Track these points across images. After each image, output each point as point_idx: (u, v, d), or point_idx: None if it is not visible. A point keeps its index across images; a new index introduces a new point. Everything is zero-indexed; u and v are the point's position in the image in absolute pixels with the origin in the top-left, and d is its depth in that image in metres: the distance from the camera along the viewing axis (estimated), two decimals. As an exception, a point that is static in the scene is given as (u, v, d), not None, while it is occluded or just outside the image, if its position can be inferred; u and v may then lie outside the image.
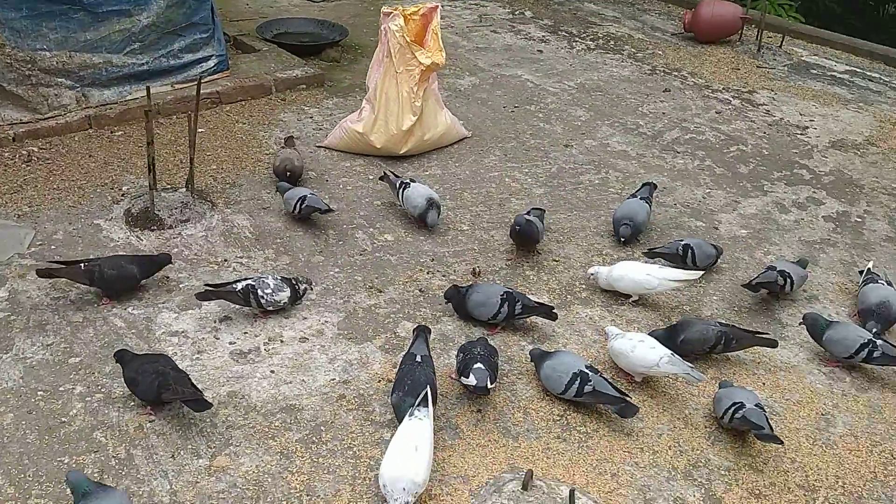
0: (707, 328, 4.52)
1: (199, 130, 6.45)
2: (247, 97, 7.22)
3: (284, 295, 4.64)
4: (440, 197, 5.72)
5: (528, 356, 4.42)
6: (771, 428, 3.90)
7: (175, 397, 3.87)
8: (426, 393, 3.80)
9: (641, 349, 4.28)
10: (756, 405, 3.97)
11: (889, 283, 5.03)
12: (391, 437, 3.73)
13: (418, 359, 4.10)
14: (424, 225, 5.59)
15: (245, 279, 4.65)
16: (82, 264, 4.62)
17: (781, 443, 3.90)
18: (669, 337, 4.49)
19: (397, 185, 5.67)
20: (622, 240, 5.53)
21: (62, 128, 6.39)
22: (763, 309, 5.07)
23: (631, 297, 5.03)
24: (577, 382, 4.09)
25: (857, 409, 4.35)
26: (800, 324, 4.77)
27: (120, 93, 6.69)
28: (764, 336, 4.60)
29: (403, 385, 3.93)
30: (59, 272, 4.63)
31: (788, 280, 5.02)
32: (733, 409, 3.97)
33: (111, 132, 6.50)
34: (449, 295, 4.75)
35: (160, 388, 3.85)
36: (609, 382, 4.11)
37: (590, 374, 4.11)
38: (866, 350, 4.46)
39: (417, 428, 3.68)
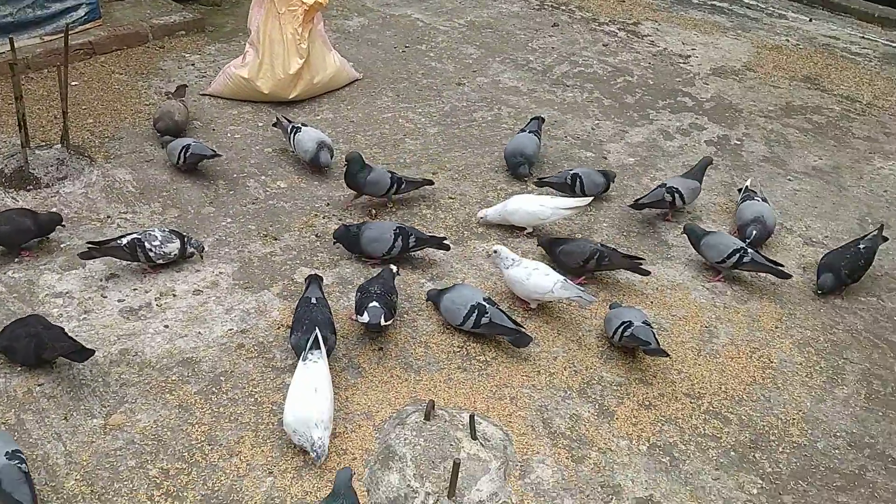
0: (585, 244, 4.74)
1: (73, 83, 6.14)
2: (122, 46, 6.86)
3: (174, 247, 4.50)
4: (332, 141, 5.64)
5: (426, 296, 4.47)
6: (658, 343, 4.10)
7: (55, 354, 3.77)
8: (317, 336, 3.80)
9: (536, 276, 4.39)
10: (643, 322, 4.16)
11: (764, 200, 5.30)
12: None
13: (313, 300, 4.09)
14: (318, 169, 5.51)
15: (130, 233, 4.50)
16: None
17: (667, 355, 4.11)
18: (550, 248, 4.79)
19: (289, 130, 5.56)
20: (523, 178, 5.62)
21: (-81, 86, 5.93)
22: (650, 232, 5.27)
23: (526, 228, 5.13)
24: (474, 314, 4.18)
25: (737, 319, 4.61)
26: (682, 233, 5.02)
27: (-19, 47, 6.24)
28: (638, 262, 4.72)
29: (302, 325, 3.92)
30: None
31: (677, 195, 5.24)
32: (622, 327, 4.14)
33: (-25, 89, 6.09)
34: (339, 235, 4.72)
35: (37, 349, 3.74)
36: (505, 314, 4.21)
37: (487, 305, 4.20)
38: (737, 255, 4.73)
39: (313, 370, 3.69)
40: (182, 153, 5.21)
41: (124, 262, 4.53)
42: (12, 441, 3.39)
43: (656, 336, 4.15)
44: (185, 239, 4.58)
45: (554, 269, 4.49)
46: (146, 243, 4.42)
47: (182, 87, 6.00)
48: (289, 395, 3.63)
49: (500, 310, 4.24)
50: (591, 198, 5.22)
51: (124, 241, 4.41)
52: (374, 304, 4.07)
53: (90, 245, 4.46)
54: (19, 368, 3.87)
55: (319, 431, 3.50)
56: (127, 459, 3.51)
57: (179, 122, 5.60)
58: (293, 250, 4.86)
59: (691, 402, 4.05)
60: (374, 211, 5.24)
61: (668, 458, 3.75)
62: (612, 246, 4.88)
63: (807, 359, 4.39)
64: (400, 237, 4.65)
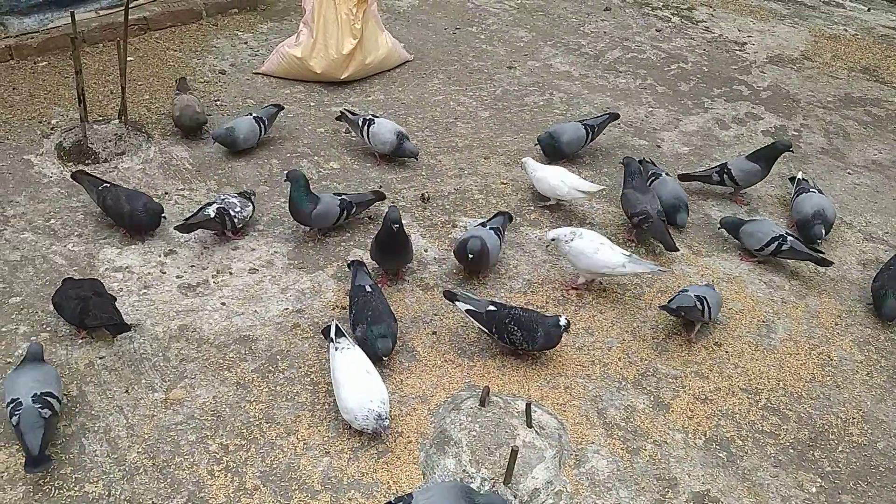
0: (638, 203, 4.80)
1: (129, 59, 6.17)
2: (176, 23, 6.90)
3: (249, 210, 4.70)
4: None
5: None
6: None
7: (96, 322, 3.85)
8: (335, 324, 3.81)
9: (604, 251, 4.36)
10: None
11: (820, 191, 5.19)
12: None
13: (368, 288, 4.09)
14: (396, 158, 5.45)
15: (211, 203, 4.60)
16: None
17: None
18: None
19: (360, 123, 5.40)
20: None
21: (-20, 59, 6.03)
22: (705, 223, 5.19)
23: (549, 200, 5.12)
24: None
25: (795, 315, 4.54)
26: (718, 229, 4.98)
27: (41, 20, 6.32)
28: (671, 241, 4.74)
29: (365, 318, 3.92)
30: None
31: (726, 175, 5.28)
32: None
33: (34, 63, 6.16)
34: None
35: (81, 313, 3.84)
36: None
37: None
38: (776, 243, 4.67)
39: (354, 356, 3.70)
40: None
41: (182, 239, 4.58)
42: (52, 381, 3.46)
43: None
44: (249, 195, 4.77)
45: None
46: (230, 210, 4.57)
47: (183, 80, 5.76)
48: (339, 382, 3.62)
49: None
50: (603, 188, 5.17)
51: (212, 213, 4.51)
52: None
53: (185, 220, 4.53)
54: (80, 341, 3.94)
55: (383, 409, 3.52)
56: (187, 434, 3.56)
57: (200, 113, 5.45)
58: (346, 232, 4.87)
59: (749, 398, 4.00)
60: (426, 194, 5.22)
61: (725, 453, 3.71)
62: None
63: (867, 357, 4.30)
64: (345, 210, 4.71)
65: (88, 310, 3.84)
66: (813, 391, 4.08)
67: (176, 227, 4.54)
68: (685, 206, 5.05)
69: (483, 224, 4.66)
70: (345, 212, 4.72)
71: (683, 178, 5.41)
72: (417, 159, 5.48)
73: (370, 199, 4.90)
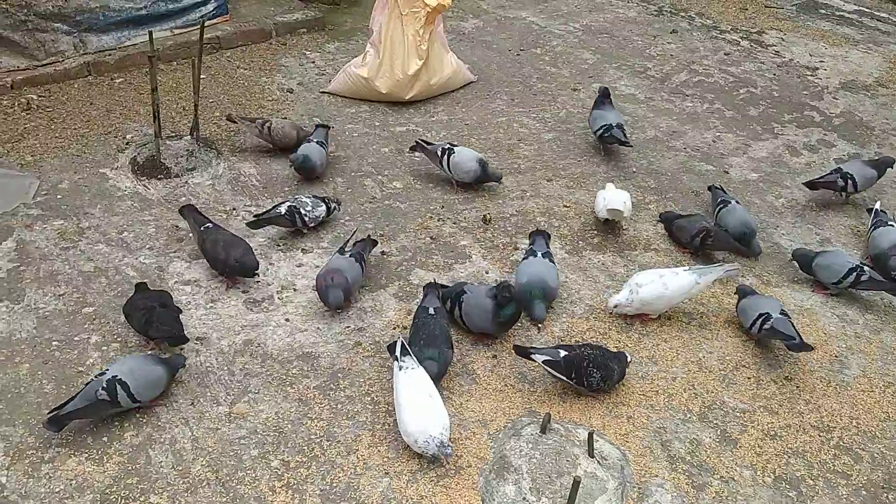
0: (700, 220, 4.91)
1: (202, 77, 6.34)
2: (247, 42, 7.07)
3: (322, 210, 4.91)
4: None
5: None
6: (800, 337, 4.05)
7: (158, 335, 3.95)
8: (401, 342, 3.79)
9: (673, 281, 4.29)
10: (782, 313, 4.12)
11: (898, 224, 5.02)
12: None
13: (431, 311, 4.09)
14: (478, 185, 5.40)
15: (284, 202, 4.87)
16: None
17: (812, 349, 4.11)
18: (671, 218, 5.01)
19: (438, 153, 5.35)
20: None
21: (61, 75, 6.26)
22: (775, 252, 5.05)
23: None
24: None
25: (870, 350, 4.37)
26: (790, 260, 4.84)
27: (118, 38, 6.55)
28: (740, 245, 4.82)
29: (419, 340, 3.92)
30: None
31: (850, 180, 5.31)
32: (760, 320, 4.11)
33: (111, 79, 6.38)
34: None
35: (146, 324, 3.94)
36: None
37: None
38: (854, 275, 4.53)
39: (417, 377, 3.68)
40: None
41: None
42: (141, 377, 3.61)
43: (796, 328, 4.10)
44: (326, 200, 4.95)
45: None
46: (301, 209, 4.80)
47: (230, 115, 5.78)
48: (401, 404, 3.60)
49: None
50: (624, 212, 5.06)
51: (283, 210, 4.79)
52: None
53: (256, 216, 4.80)
54: (150, 351, 4.02)
55: (445, 435, 3.50)
56: (250, 448, 3.59)
57: (301, 128, 5.67)
58: (409, 251, 4.88)
59: (820, 436, 3.86)
60: (488, 215, 5.21)
61: (794, 492, 3.58)
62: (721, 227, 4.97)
63: (947, 398, 4.12)
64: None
65: (152, 321, 3.94)
66: (888, 431, 3.92)
67: (247, 224, 4.79)
68: (754, 233, 4.93)
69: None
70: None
71: (809, 185, 5.45)
72: (501, 183, 5.44)
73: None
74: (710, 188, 5.34)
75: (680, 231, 4.95)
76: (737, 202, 5.12)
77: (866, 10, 9.04)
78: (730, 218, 4.96)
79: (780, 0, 8.97)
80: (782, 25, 8.41)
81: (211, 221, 4.61)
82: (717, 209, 5.04)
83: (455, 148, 5.35)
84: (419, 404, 3.58)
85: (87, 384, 3.61)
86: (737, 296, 4.45)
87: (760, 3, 8.88)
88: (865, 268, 4.56)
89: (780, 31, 8.28)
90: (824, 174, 5.54)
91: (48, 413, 3.56)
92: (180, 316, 4.07)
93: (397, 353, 3.78)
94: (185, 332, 4.00)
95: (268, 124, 5.56)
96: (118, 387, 3.55)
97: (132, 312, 4.03)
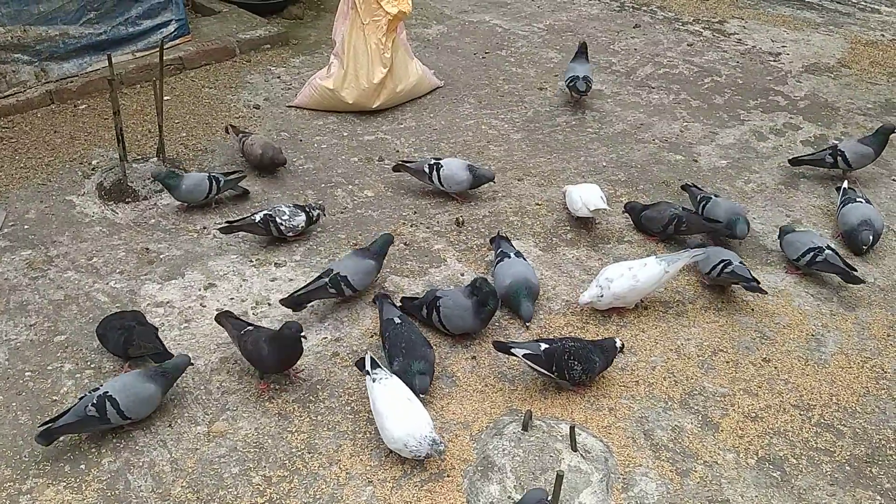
0: (667, 208, 4.93)
1: (166, 98, 6.31)
2: (210, 61, 7.04)
3: (300, 220, 4.84)
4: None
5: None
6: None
7: (140, 352, 3.93)
8: (370, 356, 3.76)
9: (643, 272, 4.30)
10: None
11: (867, 201, 5.05)
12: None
13: (397, 320, 4.07)
14: (470, 192, 5.38)
15: (262, 210, 4.86)
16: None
17: (766, 292, 4.42)
18: (637, 210, 5.05)
19: (425, 170, 5.28)
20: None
21: (23, 105, 6.20)
22: (749, 237, 5.07)
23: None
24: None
25: (846, 328, 4.40)
26: (778, 236, 4.89)
27: (80, 65, 6.50)
28: (715, 224, 4.85)
29: (399, 351, 3.89)
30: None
31: (840, 157, 5.42)
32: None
33: (74, 106, 6.33)
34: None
35: (126, 343, 3.92)
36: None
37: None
38: (811, 254, 4.57)
39: (392, 386, 3.65)
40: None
41: (221, 272, 4.62)
42: (132, 396, 3.60)
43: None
44: (308, 209, 4.89)
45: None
46: (277, 218, 4.76)
47: (230, 126, 5.81)
48: (383, 413, 3.56)
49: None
50: (605, 208, 5.01)
51: (258, 217, 4.78)
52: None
53: (228, 222, 4.82)
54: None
55: (433, 432, 3.49)
56: (230, 466, 3.55)
57: (279, 150, 5.56)
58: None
59: (801, 414, 3.87)
60: (461, 218, 5.21)
61: (778, 472, 3.59)
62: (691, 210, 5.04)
63: (924, 369, 4.15)
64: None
65: (132, 339, 3.92)
66: (868, 405, 3.93)
67: (219, 229, 4.82)
68: (743, 218, 4.87)
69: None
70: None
71: (794, 162, 5.58)
72: (495, 181, 5.42)
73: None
74: (683, 188, 5.34)
75: (650, 222, 4.97)
76: (715, 196, 5.12)
77: (825, -7, 9.14)
78: (717, 210, 4.93)
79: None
80: (743, 13, 8.49)
81: (250, 325, 4.05)
82: (701, 206, 5.05)
83: (442, 161, 5.30)
84: (401, 410, 3.55)
85: (81, 398, 3.62)
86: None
87: (721, -7, 8.96)
88: (826, 250, 4.56)
89: (741, 19, 8.36)
90: (816, 151, 5.70)
91: (40, 426, 3.55)
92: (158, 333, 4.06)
93: (367, 367, 3.74)
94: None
95: (244, 139, 5.55)
96: (107, 403, 3.54)
97: (108, 333, 3.99)
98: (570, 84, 6.41)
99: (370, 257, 4.49)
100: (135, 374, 3.73)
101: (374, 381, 3.68)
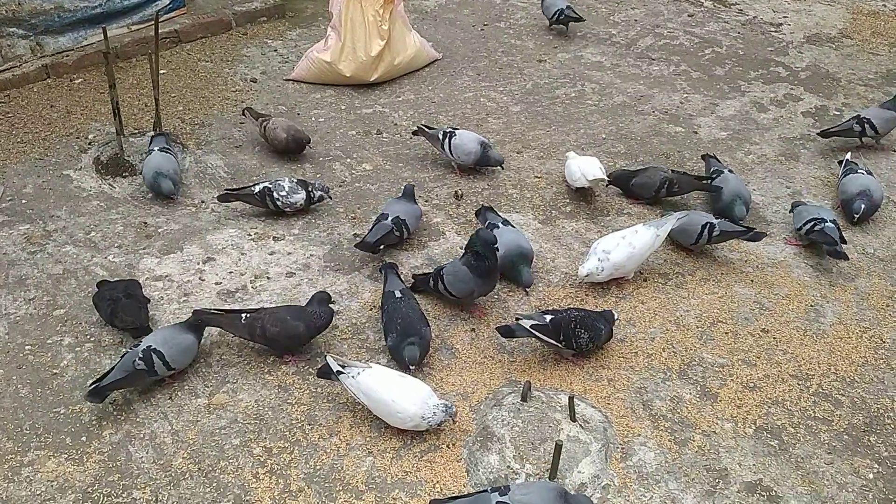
0: (656, 172, 4.97)
1: (162, 72, 6.25)
2: (207, 34, 6.97)
3: (299, 197, 4.79)
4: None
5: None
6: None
7: (121, 326, 3.99)
8: (329, 359, 3.67)
9: (636, 239, 4.31)
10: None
11: (869, 173, 5.03)
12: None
13: (398, 294, 4.06)
14: (479, 168, 5.34)
15: (262, 182, 4.83)
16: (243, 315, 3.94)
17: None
18: (625, 177, 5.06)
19: (440, 137, 5.29)
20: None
21: (19, 79, 6.15)
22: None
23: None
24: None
25: (844, 298, 4.40)
26: (790, 210, 4.87)
27: (75, 38, 6.44)
28: (706, 182, 4.94)
29: (395, 326, 3.89)
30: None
31: (867, 125, 5.38)
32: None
33: (70, 80, 6.28)
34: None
35: (111, 315, 3.98)
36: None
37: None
38: (812, 223, 4.55)
39: (378, 372, 3.60)
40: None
41: (220, 246, 4.62)
42: (170, 339, 3.73)
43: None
44: (310, 187, 4.83)
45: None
46: (275, 192, 4.73)
47: (248, 109, 5.70)
48: (385, 400, 3.50)
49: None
50: (608, 179, 5.06)
51: (256, 189, 4.77)
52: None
53: (227, 190, 4.83)
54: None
55: (440, 399, 3.54)
56: (231, 438, 3.57)
57: (302, 131, 5.46)
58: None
59: (799, 384, 3.88)
60: (460, 191, 5.19)
61: (776, 441, 3.61)
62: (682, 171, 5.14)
63: (922, 338, 4.16)
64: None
65: (117, 312, 3.98)
66: (866, 375, 3.95)
67: (218, 197, 4.85)
68: (744, 201, 4.82)
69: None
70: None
71: (824, 134, 5.52)
72: (503, 168, 5.36)
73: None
74: (703, 157, 5.36)
75: (642, 188, 4.99)
76: (730, 170, 5.08)
77: (827, -37, 9.03)
78: (724, 186, 4.89)
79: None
80: (744, -16, 8.38)
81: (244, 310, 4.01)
82: (713, 179, 5.00)
83: (457, 131, 5.30)
84: (404, 389, 3.53)
85: (123, 356, 3.71)
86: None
87: (722, -36, 8.85)
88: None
89: (742, -11, 8.26)
90: (841, 122, 5.64)
91: (89, 385, 3.62)
92: (148, 305, 4.10)
93: (334, 368, 3.64)
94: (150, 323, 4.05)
95: (265, 123, 5.44)
96: (153, 356, 3.63)
97: (99, 303, 4.08)
98: (559, 17, 6.86)
99: (413, 201, 4.70)
100: (172, 328, 3.84)
101: (356, 376, 3.58)
